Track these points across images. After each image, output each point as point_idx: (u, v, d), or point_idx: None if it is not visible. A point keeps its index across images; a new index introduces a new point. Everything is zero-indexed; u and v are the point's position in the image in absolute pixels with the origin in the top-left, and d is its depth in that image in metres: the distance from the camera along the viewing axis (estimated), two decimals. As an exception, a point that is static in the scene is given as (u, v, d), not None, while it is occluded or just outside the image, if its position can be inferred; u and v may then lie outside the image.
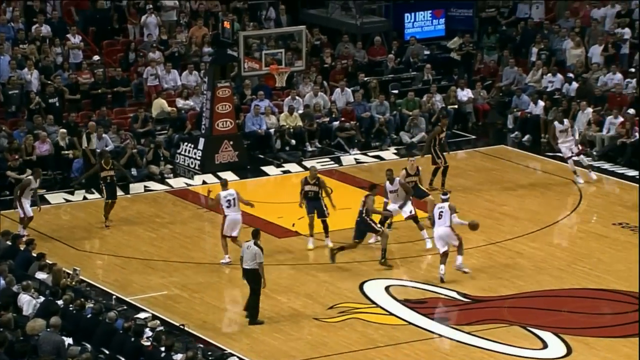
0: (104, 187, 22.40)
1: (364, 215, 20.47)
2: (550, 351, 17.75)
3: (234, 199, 20.51)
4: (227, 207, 20.49)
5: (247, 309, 18.60)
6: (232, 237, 20.50)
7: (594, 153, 26.04)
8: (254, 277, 18.43)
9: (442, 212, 20.14)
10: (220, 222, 20.63)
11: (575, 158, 24.36)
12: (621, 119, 25.79)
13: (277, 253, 20.75)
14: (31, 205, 21.50)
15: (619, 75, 27.69)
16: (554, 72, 28.36)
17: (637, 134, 25.58)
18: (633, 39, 28.91)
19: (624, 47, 28.82)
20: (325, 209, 21.16)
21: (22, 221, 21.45)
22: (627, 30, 28.97)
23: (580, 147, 24.59)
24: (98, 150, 24.24)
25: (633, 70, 28.00)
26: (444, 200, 20.16)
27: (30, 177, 21.77)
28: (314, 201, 21.12)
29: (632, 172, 24.87)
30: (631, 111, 26.11)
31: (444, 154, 23.74)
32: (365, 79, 28.47)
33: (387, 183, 21.15)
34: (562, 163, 25.87)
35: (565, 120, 24.60)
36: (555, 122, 24.61)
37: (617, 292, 19.65)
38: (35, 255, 18.69)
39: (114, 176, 22.51)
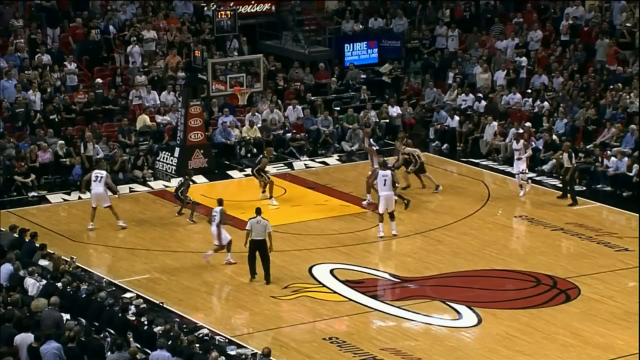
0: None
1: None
2: (464, 321, 17.84)
3: (101, 177, 21.15)
4: (94, 181, 21.13)
5: (255, 273, 18.75)
6: (106, 207, 21.22)
7: (500, 158, 26.23)
8: (264, 246, 18.59)
9: (386, 179, 20.57)
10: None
11: (520, 175, 23.49)
12: (521, 131, 25.98)
13: (240, 242, 20.66)
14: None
15: (518, 95, 27.91)
16: (467, 93, 28.50)
17: (533, 143, 25.81)
18: (529, 66, 29.18)
19: (522, 72, 29.05)
20: None
21: (221, 248, 19.51)
22: (524, 58, 29.21)
23: (524, 168, 23.46)
24: (97, 157, 24.14)
25: (529, 91, 28.26)
26: (387, 169, 20.98)
27: (221, 207, 19.74)
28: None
29: (530, 174, 25.06)
30: (528, 124, 26.34)
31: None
32: (312, 98, 28.46)
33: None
34: (473, 167, 26.07)
35: (521, 141, 23.75)
36: (514, 141, 24.12)
37: (518, 272, 19.78)
38: (38, 245, 18.48)
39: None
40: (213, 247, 19.80)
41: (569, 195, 23.11)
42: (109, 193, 21.56)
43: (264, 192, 23.07)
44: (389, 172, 21.06)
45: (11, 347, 13.98)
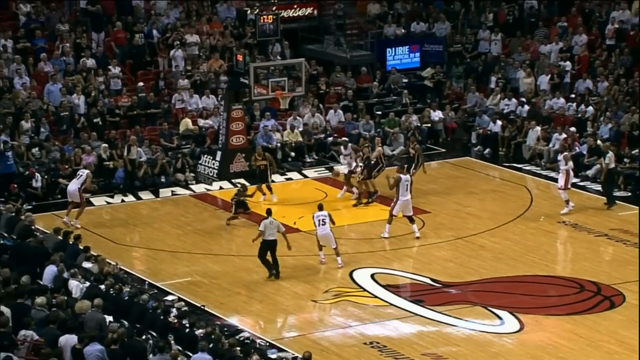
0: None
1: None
2: (506, 327, 17.73)
3: (80, 175, 22.03)
4: (75, 178, 22.23)
5: (273, 269, 19.29)
6: (76, 202, 21.89)
7: (543, 163, 26.03)
8: (275, 245, 19.13)
9: (407, 184, 21.09)
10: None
11: (561, 191, 22.60)
12: (564, 136, 25.78)
13: (280, 246, 20.68)
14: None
15: (562, 100, 27.69)
16: (510, 97, 28.33)
17: (577, 147, 25.57)
18: (573, 71, 28.93)
19: (566, 77, 28.82)
20: (269, 177, 23.43)
21: (336, 252, 19.79)
22: (568, 63, 28.97)
23: (563, 184, 22.47)
24: (139, 160, 24.36)
25: (573, 96, 28.01)
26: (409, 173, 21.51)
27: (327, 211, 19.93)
28: (262, 172, 23.25)
29: (573, 180, 24.79)
30: (572, 129, 26.12)
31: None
32: (357, 101, 28.43)
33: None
34: (515, 172, 25.90)
35: (563, 154, 22.88)
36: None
37: (561, 278, 19.63)
38: (82, 248, 18.67)
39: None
40: (335, 252, 19.75)
41: (607, 196, 22.82)
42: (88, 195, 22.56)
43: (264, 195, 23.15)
44: (409, 177, 21.36)
45: (55, 348, 14.13)
